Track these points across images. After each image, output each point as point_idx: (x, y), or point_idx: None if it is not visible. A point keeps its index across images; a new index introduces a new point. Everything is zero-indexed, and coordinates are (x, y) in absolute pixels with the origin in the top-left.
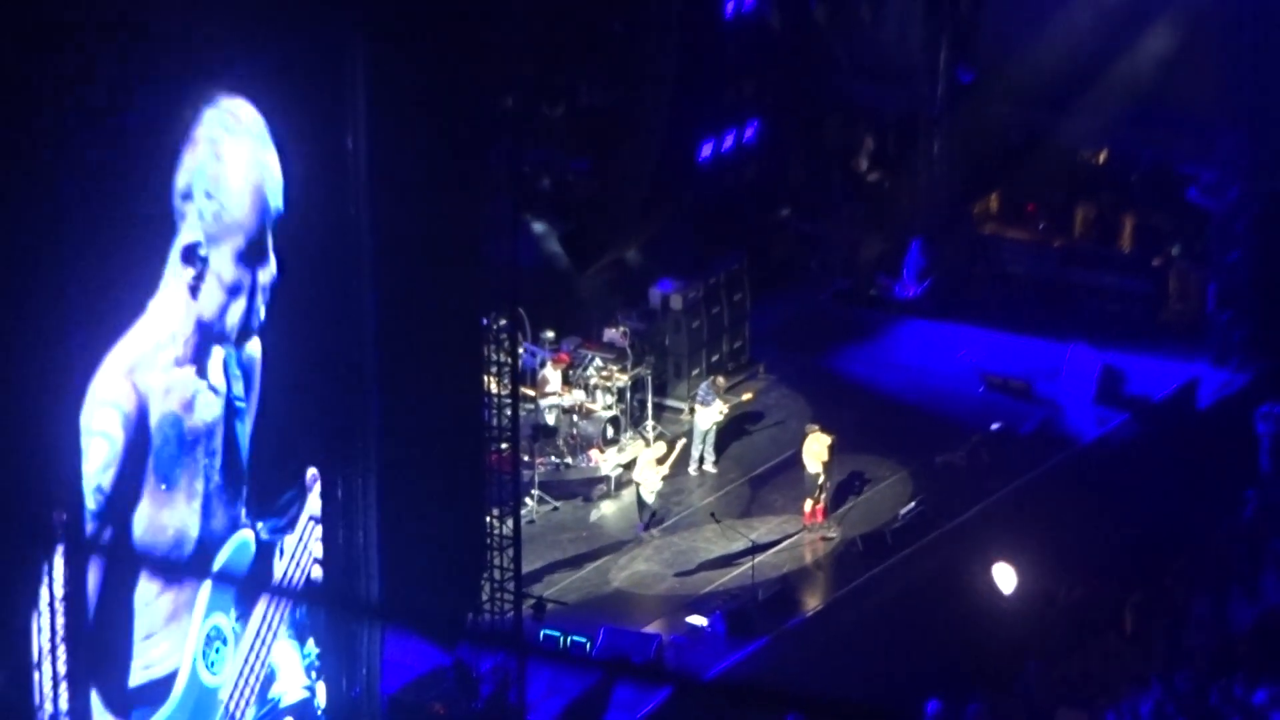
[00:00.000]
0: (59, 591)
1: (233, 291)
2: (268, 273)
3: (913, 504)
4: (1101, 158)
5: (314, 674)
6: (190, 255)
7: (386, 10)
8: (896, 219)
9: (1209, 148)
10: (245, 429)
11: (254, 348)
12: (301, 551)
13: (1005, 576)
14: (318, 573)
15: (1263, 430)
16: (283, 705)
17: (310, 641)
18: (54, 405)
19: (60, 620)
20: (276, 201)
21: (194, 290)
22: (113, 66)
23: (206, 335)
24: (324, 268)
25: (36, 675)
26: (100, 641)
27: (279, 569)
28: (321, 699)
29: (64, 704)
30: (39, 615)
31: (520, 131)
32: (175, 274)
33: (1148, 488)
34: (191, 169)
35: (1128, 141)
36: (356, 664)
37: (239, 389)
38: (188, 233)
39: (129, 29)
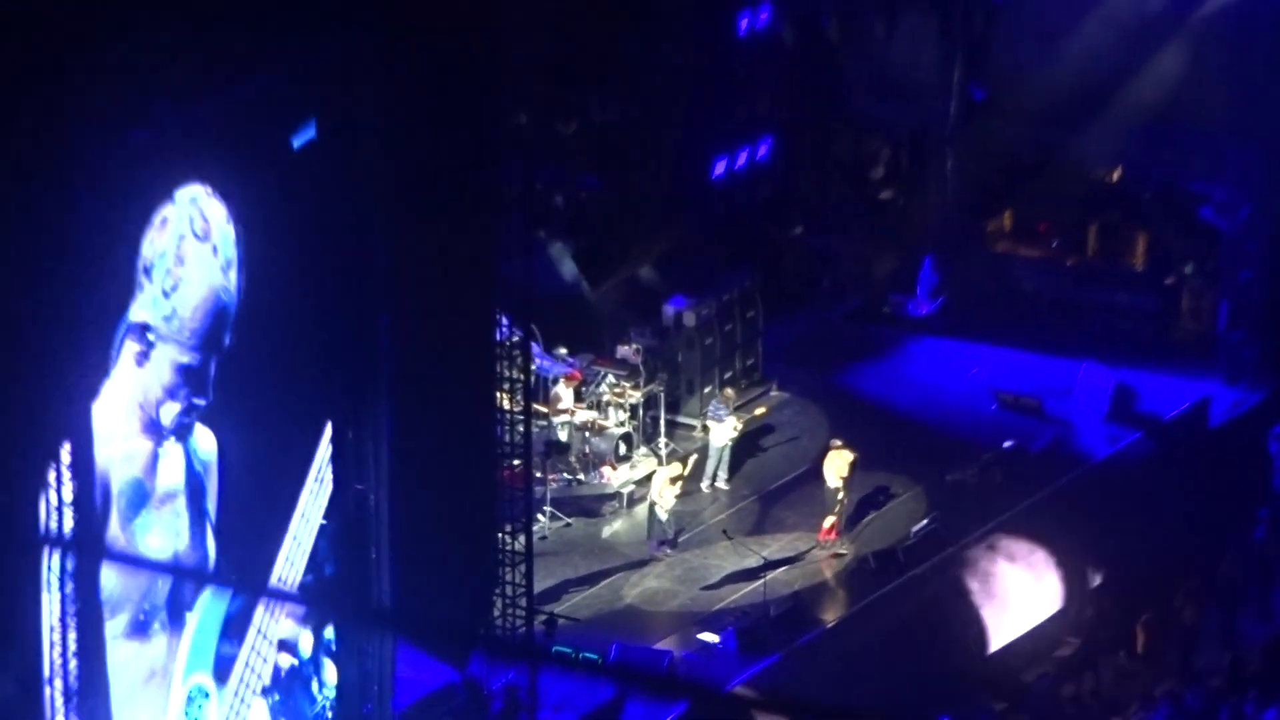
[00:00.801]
0: (69, 607)
1: (170, 393)
2: (201, 399)
3: (925, 521)
4: (1114, 176)
5: None
6: (141, 334)
7: (400, 28)
8: (909, 236)
9: (1221, 166)
10: (210, 506)
11: (209, 449)
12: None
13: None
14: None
15: (1275, 450)
16: None
17: (275, 695)
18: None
19: (72, 635)
20: (226, 324)
21: (139, 361)
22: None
23: (148, 420)
24: (337, 283)
25: (48, 690)
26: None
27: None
28: None
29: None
30: (51, 629)
31: (533, 149)
32: (130, 341)
33: (1159, 506)
34: (157, 250)
35: (1140, 160)
36: (368, 681)
37: (198, 466)
38: (141, 310)
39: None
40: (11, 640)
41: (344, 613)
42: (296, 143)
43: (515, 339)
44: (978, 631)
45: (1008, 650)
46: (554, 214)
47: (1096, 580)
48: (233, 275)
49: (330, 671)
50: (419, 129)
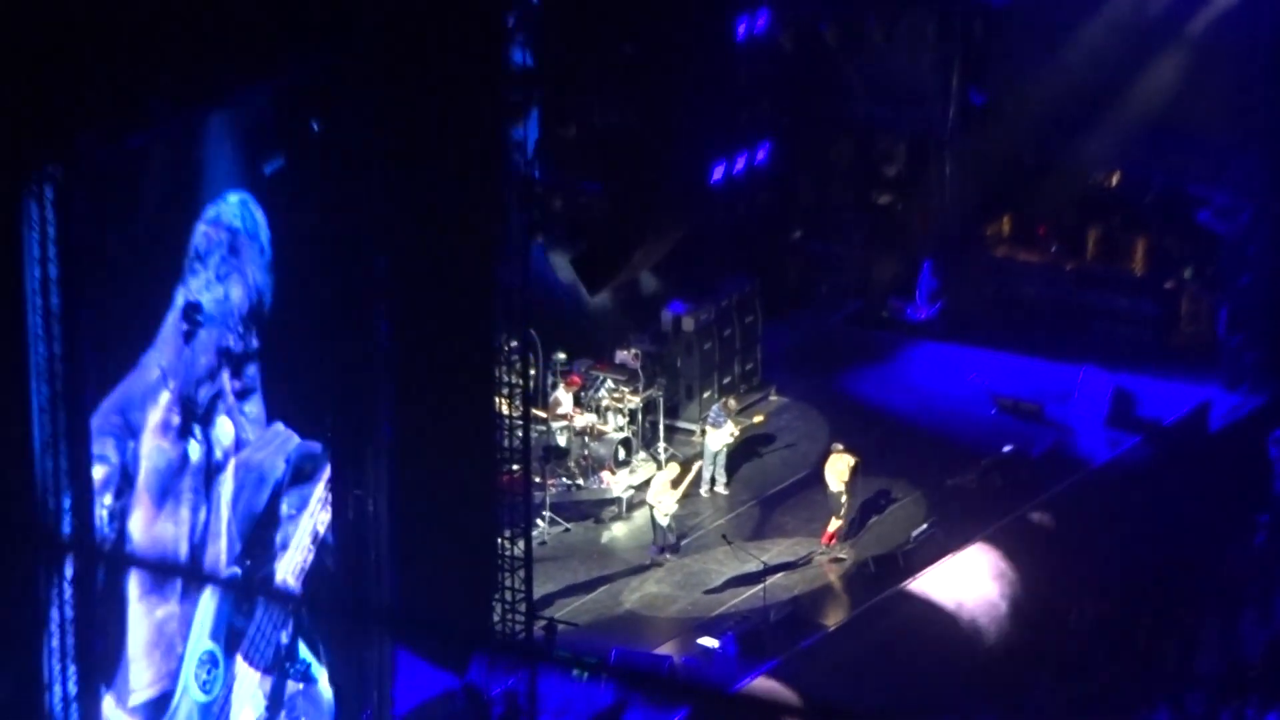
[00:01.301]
0: (68, 612)
1: (210, 373)
2: (238, 383)
3: (925, 526)
4: (1114, 180)
5: None
6: (190, 314)
7: (400, 34)
8: (908, 241)
9: (1221, 171)
10: (227, 484)
11: (228, 438)
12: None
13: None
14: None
15: (1275, 454)
16: None
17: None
18: (66, 426)
19: (69, 636)
20: (262, 322)
21: (187, 338)
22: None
23: (184, 396)
24: (337, 289)
25: (46, 695)
26: (104, 649)
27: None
28: None
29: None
30: (50, 634)
31: (533, 153)
32: (175, 318)
33: (1159, 510)
34: (213, 240)
35: (1140, 164)
36: (368, 686)
37: (218, 453)
38: (193, 291)
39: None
40: (11, 640)
41: (344, 618)
42: (267, 170)
43: (514, 344)
44: (977, 635)
45: (1007, 653)
46: (553, 219)
47: (1097, 585)
48: (268, 277)
49: (304, 653)
50: (418, 134)
